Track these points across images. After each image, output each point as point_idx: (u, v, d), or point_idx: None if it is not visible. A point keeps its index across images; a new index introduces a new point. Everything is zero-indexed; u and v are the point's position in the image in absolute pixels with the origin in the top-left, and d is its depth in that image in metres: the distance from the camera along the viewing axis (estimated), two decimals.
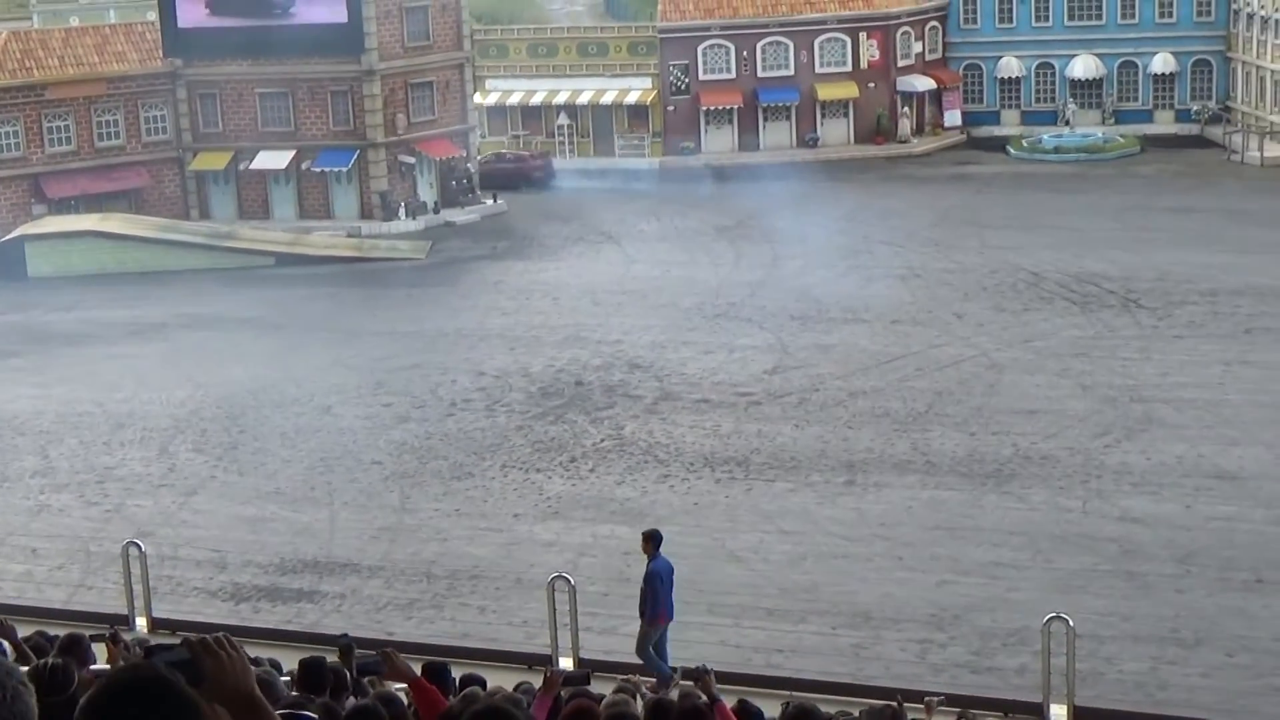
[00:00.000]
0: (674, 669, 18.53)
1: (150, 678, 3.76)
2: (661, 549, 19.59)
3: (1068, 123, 69.34)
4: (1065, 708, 17.55)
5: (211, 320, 46.35)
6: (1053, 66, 71.34)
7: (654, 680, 17.88)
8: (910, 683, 19.88)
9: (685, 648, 19.73)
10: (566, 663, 20.42)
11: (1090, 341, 38.60)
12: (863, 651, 21.76)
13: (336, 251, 56.28)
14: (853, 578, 24.41)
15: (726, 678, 18.51)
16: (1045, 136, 68.70)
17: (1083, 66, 70.58)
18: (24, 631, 17.10)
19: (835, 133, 70.25)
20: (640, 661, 19.15)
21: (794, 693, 17.55)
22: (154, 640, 4.08)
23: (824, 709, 13.57)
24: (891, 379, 35.87)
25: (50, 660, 9.95)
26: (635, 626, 22.18)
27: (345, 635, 16.00)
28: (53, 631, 17.17)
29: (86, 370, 40.54)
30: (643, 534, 20.24)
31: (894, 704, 13.57)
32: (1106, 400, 33.52)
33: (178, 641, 3.92)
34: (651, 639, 19.42)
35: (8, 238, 56.21)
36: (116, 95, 60.77)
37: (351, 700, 11.65)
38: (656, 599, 19.26)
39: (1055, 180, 61.66)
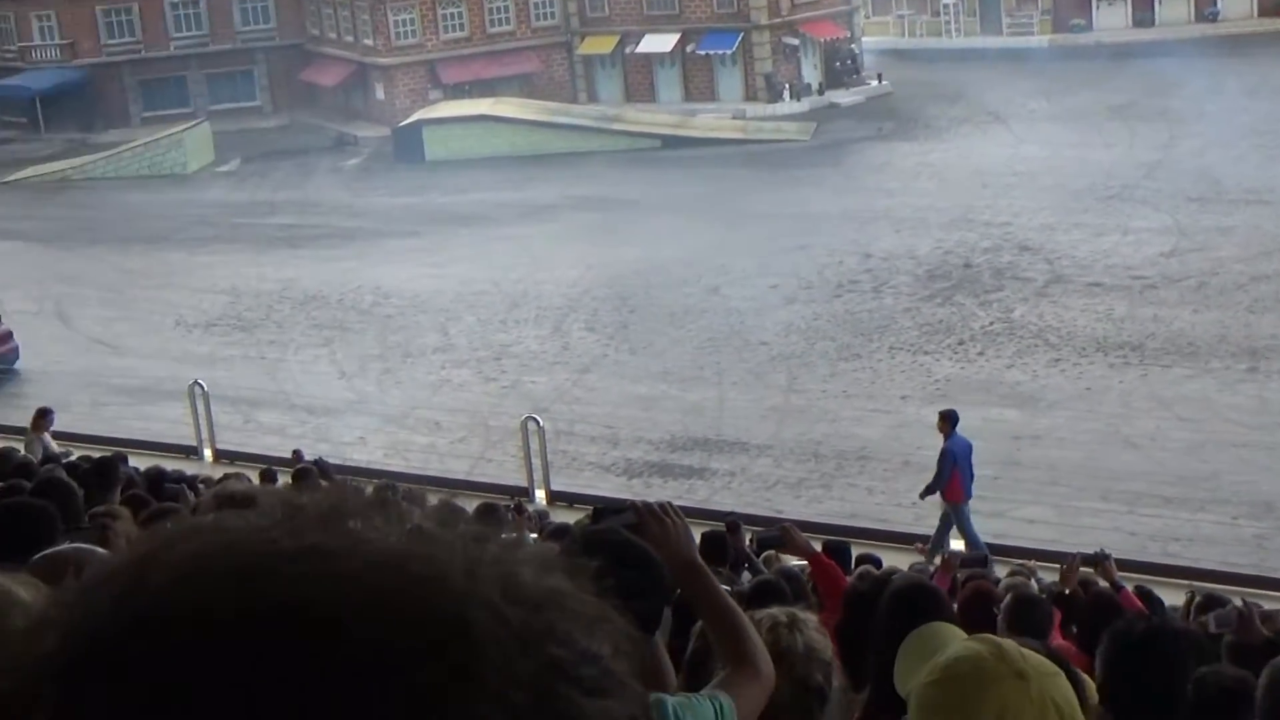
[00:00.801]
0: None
1: (615, 533, 3.88)
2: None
3: None
4: None
5: (600, 202, 47.17)
6: None
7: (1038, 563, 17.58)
8: None
9: (1078, 534, 19.39)
10: (956, 545, 20.34)
11: None
12: (1266, 543, 21.02)
13: (721, 134, 56.54)
14: (1255, 467, 23.55)
15: (1121, 565, 18.21)
16: None
17: None
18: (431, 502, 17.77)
19: (1238, 5, 67.05)
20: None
21: (1194, 582, 17.11)
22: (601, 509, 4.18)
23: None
24: None
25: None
26: (1025, 511, 21.99)
27: (732, 514, 16.23)
28: (459, 502, 17.90)
29: (481, 250, 41.76)
30: (939, 413, 20.48)
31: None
32: None
33: (626, 506, 4.03)
34: (964, 515, 19.59)
35: (406, 122, 58.15)
36: None
37: (747, 575, 11.83)
38: (942, 477, 19.54)
39: None
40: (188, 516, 1.03)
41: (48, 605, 0.89)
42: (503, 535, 0.95)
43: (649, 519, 3.87)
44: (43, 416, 19.73)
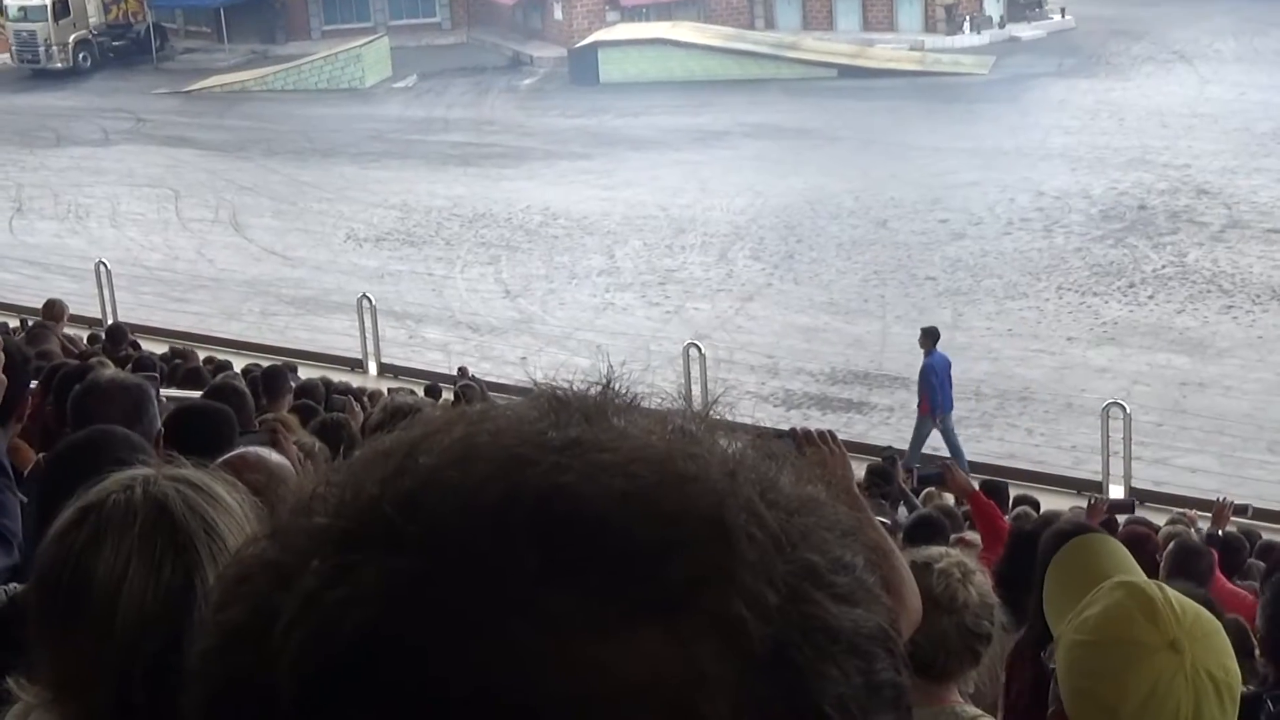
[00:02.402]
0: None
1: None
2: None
3: None
4: None
5: (772, 130, 46.92)
6: None
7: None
8: None
9: (1241, 485, 19.08)
10: (1116, 491, 20.14)
11: None
12: None
13: (898, 65, 55.87)
14: None
15: None
16: None
17: None
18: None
19: None
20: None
21: None
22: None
23: None
24: None
25: None
26: (1187, 459, 21.70)
27: (890, 449, 16.23)
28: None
29: (651, 175, 41.78)
30: (921, 330, 22.31)
31: None
32: None
33: (784, 434, 4.06)
34: (924, 431, 21.21)
35: (583, 44, 58.19)
36: None
37: (903, 510, 11.85)
38: (932, 393, 21.12)
39: None
40: (444, 409, 1.07)
41: (318, 482, 0.93)
42: (758, 443, 0.97)
43: (808, 445, 3.91)
44: (53, 307, 18.82)
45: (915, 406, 22.18)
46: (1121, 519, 11.31)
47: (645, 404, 0.99)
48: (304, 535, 0.89)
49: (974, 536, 8.82)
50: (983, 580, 4.27)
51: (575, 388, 0.98)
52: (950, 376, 21.58)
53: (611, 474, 0.87)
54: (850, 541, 0.93)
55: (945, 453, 20.79)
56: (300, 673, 0.84)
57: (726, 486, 0.89)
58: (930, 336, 21.69)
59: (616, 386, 0.99)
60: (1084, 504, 16.93)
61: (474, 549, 0.84)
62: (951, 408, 21.62)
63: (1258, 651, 5.18)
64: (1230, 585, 9.08)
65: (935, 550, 4.42)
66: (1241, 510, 13.18)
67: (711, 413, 1.01)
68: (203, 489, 2.68)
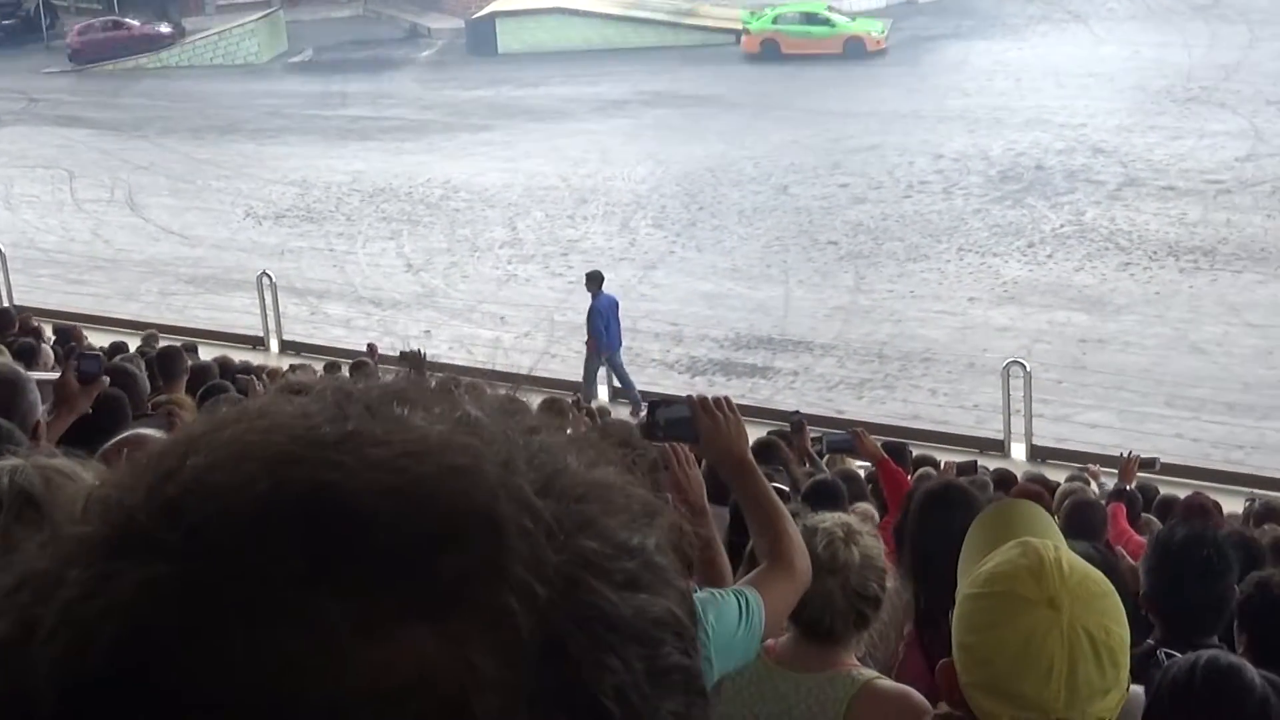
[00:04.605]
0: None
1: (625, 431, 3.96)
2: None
3: None
4: None
5: (672, 98, 46.90)
6: None
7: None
8: None
9: (1141, 439, 19.30)
10: (1018, 449, 20.38)
11: None
12: None
13: None
14: None
15: (1184, 471, 18.19)
16: None
17: None
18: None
19: None
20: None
21: (1256, 490, 17.06)
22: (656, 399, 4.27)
23: None
24: None
25: None
26: (1088, 415, 21.97)
27: (797, 412, 16.30)
28: (522, 397, 18.00)
29: (552, 145, 41.67)
30: (586, 275, 24.09)
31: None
32: None
33: (681, 400, 4.07)
34: (593, 368, 22.95)
35: (480, 14, 57.90)
36: None
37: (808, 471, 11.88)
38: (599, 332, 22.72)
39: None
40: (239, 402, 1.04)
41: (96, 485, 0.90)
42: (558, 427, 0.95)
43: (700, 412, 3.92)
44: None
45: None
46: (1018, 476, 11.41)
47: (455, 387, 0.96)
48: (72, 543, 0.86)
49: (865, 507, 8.86)
50: (871, 543, 4.28)
51: (367, 379, 0.95)
52: (617, 317, 23.15)
53: (380, 469, 0.84)
54: (643, 524, 0.91)
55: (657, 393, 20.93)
56: (57, 685, 0.81)
57: (498, 477, 0.86)
58: (594, 280, 23.26)
59: (419, 373, 0.96)
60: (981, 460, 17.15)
61: (235, 552, 0.81)
62: (620, 345, 23.26)
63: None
64: (1139, 538, 9.19)
65: (828, 514, 4.43)
66: (1149, 464, 13.32)
67: (515, 395, 0.98)
68: (71, 477, 2.64)
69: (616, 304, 23.58)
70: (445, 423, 0.90)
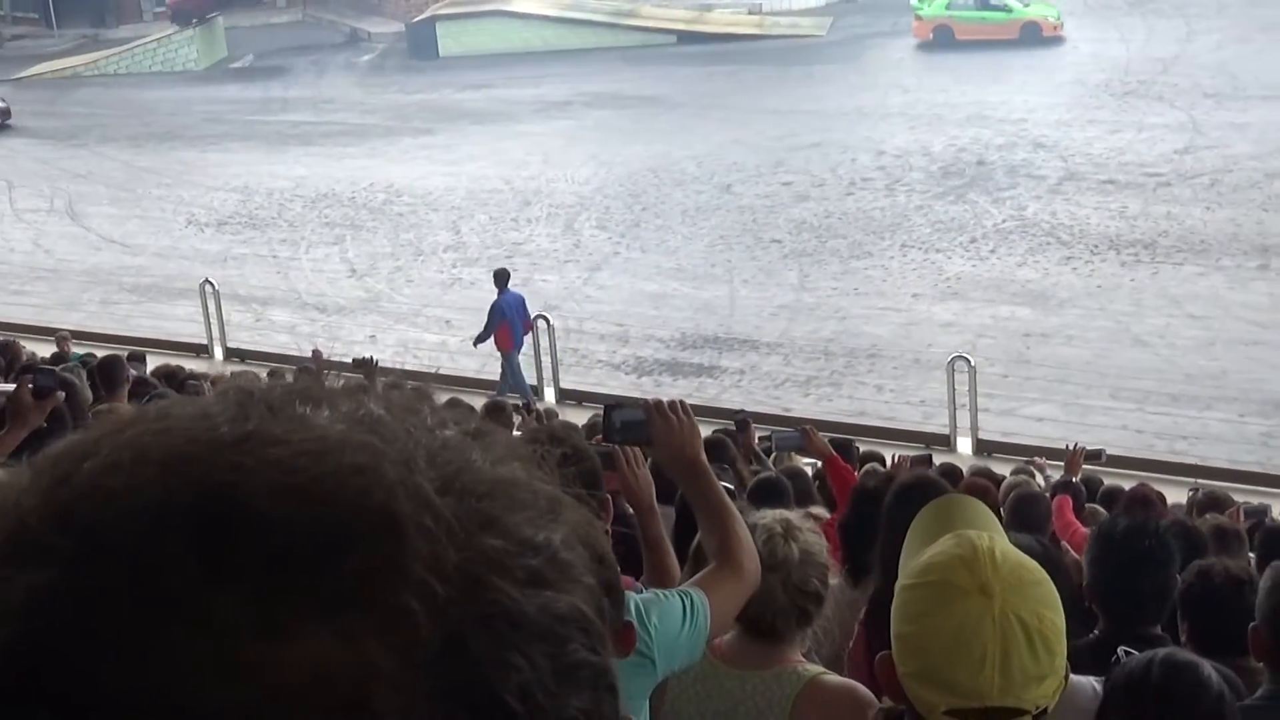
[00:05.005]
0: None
1: (559, 436, 4.00)
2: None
3: None
4: None
5: (614, 99, 46.91)
6: None
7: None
8: None
9: (1085, 431, 19.39)
10: (964, 443, 20.47)
11: None
12: (1271, 441, 21.04)
13: (737, 29, 56.11)
14: (1264, 364, 23.53)
15: (1128, 462, 18.31)
16: None
17: None
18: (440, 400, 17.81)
19: None
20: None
21: (1199, 480, 17.18)
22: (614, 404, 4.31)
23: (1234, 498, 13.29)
24: None
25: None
26: (1033, 409, 22.08)
27: (742, 411, 16.32)
28: (468, 400, 17.95)
29: (494, 148, 41.61)
30: (493, 272, 24.38)
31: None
32: None
33: (637, 403, 4.12)
34: (515, 362, 23.02)
35: (420, 18, 57.78)
36: None
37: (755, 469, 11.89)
38: (490, 328, 22.95)
39: None
40: (143, 405, 1.03)
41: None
42: (467, 424, 0.94)
43: (654, 415, 3.96)
44: None
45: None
46: (964, 470, 11.45)
47: (362, 387, 0.95)
48: None
49: (819, 510, 8.87)
50: (812, 539, 4.29)
51: (273, 379, 0.94)
52: (523, 315, 23.29)
53: (278, 469, 0.83)
54: (549, 520, 0.90)
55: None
56: None
57: (398, 475, 0.85)
58: (501, 278, 23.56)
59: (321, 374, 0.95)
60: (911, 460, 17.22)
61: (128, 555, 0.80)
62: (521, 345, 23.32)
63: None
64: (1085, 530, 9.24)
65: (768, 511, 4.44)
66: (1095, 456, 13.38)
67: (424, 393, 0.97)
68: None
69: (523, 301, 23.72)
70: (347, 422, 0.89)
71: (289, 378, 0.96)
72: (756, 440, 12.97)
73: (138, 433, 0.87)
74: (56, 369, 10.67)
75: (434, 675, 0.81)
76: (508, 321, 22.91)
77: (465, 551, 0.85)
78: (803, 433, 10.68)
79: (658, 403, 4.02)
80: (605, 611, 0.91)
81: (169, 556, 0.80)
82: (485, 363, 25.61)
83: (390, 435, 0.89)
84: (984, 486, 9.76)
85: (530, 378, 23.45)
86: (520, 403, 18.64)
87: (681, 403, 4.04)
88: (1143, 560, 5.04)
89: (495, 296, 23.39)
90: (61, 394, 6.66)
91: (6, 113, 48.08)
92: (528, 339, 23.62)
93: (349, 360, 17.49)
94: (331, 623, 0.80)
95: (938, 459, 15.78)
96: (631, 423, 4.02)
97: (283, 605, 0.80)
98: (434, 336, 27.42)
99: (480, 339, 23.26)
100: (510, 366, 23.09)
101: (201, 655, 0.79)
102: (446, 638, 0.82)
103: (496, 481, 0.90)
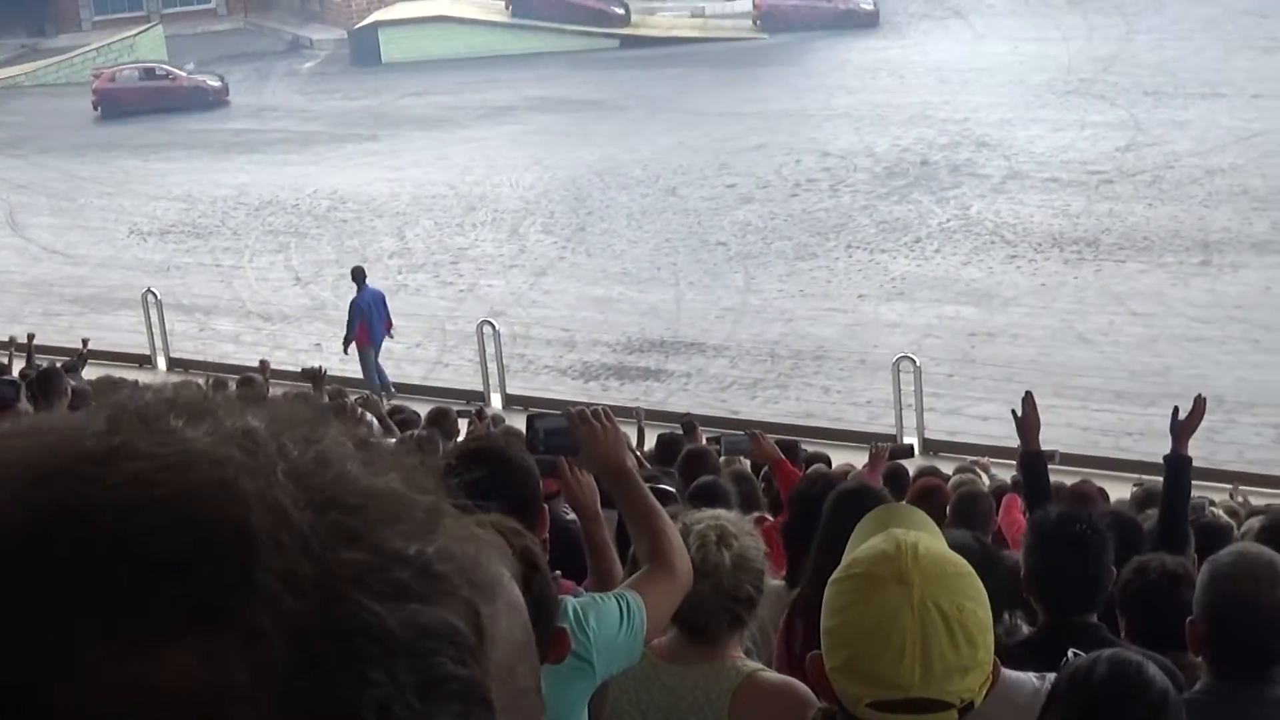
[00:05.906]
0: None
1: (495, 447, 4.03)
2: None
3: None
4: None
5: (558, 103, 46.91)
6: None
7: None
8: (1266, 469, 19.48)
9: None
10: (912, 443, 20.50)
11: None
12: (1216, 436, 21.10)
13: (680, 32, 56.20)
14: (1206, 361, 23.70)
15: (1073, 460, 18.37)
16: None
17: None
18: (387, 406, 17.85)
19: None
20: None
21: (1143, 476, 17.26)
22: (537, 412, 4.37)
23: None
24: (1251, 155, 34.39)
25: (418, 433, 10.39)
26: (978, 408, 22.17)
27: (688, 415, 16.34)
28: (414, 406, 17.90)
29: (438, 153, 41.55)
30: (351, 270, 24.99)
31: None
32: None
33: (560, 413, 4.16)
34: (370, 359, 23.14)
35: (363, 24, 57.64)
36: None
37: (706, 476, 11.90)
38: (351, 328, 23.26)
39: None
40: (28, 418, 1.00)
41: None
42: (343, 434, 0.91)
43: (578, 424, 4.01)
44: None
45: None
46: (911, 468, 11.47)
47: (242, 398, 0.93)
48: None
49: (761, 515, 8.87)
50: (748, 543, 4.29)
51: (153, 391, 0.92)
52: (382, 312, 23.61)
53: (136, 484, 0.82)
54: (424, 532, 0.88)
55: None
56: None
57: (256, 490, 0.83)
58: (358, 275, 24.09)
59: (199, 384, 0.93)
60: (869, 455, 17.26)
61: None
62: (382, 341, 23.64)
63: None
64: None
65: (704, 514, 4.44)
66: (1049, 456, 13.40)
67: (308, 402, 0.95)
68: None
69: (383, 297, 24.05)
70: (216, 434, 0.87)
71: (232, 388, 0.94)
72: (705, 442, 12.97)
73: (4, 445, 0.86)
74: (17, 380, 10.61)
75: (288, 691, 0.80)
76: (365, 319, 23.13)
77: (323, 565, 0.83)
78: (751, 436, 10.70)
79: (580, 411, 4.07)
80: (480, 626, 0.89)
81: (22, 576, 0.79)
82: (431, 369, 25.58)
83: (255, 448, 0.86)
84: (935, 485, 9.80)
85: (476, 384, 23.43)
86: (472, 408, 18.63)
87: (605, 410, 4.09)
88: (1074, 545, 5.06)
89: (354, 295, 23.72)
90: (23, 404, 6.62)
91: None
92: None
93: (300, 370, 17.46)
94: (187, 639, 0.79)
95: None
96: (555, 430, 4.07)
97: (136, 623, 0.78)
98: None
99: (346, 341, 23.40)
100: (366, 364, 23.19)
101: (57, 672, 0.77)
102: (300, 653, 0.80)
103: (370, 494, 0.87)
